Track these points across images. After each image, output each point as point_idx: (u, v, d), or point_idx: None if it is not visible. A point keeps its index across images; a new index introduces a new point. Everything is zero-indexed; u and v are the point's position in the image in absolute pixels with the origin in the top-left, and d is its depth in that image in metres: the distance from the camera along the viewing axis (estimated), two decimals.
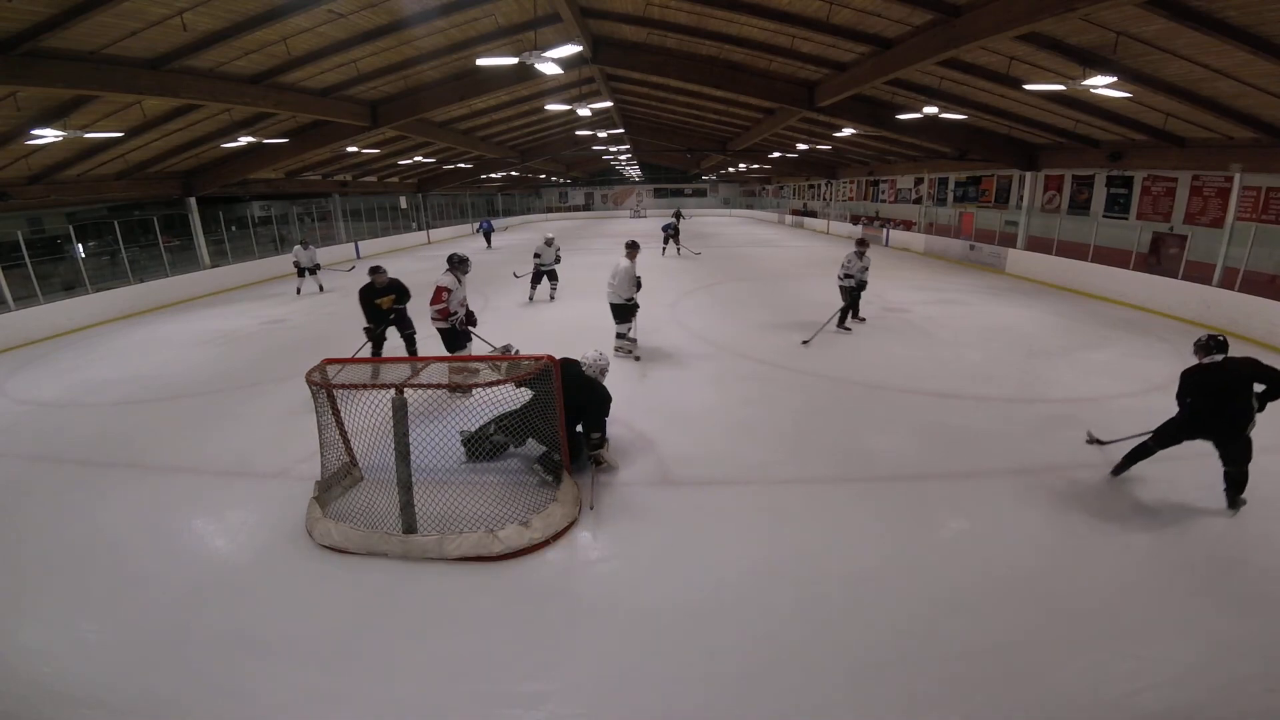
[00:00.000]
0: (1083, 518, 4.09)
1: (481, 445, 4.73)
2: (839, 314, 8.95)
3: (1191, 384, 4.15)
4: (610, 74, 15.93)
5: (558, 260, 12.35)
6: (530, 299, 12.00)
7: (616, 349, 7.86)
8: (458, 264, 6.64)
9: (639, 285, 7.67)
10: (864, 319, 9.49)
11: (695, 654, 2.99)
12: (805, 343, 8.33)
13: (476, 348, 7.16)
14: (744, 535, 3.99)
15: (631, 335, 8.00)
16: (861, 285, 8.95)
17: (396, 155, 20.45)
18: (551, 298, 12.17)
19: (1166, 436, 4.34)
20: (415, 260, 20.89)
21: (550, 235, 12.41)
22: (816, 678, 2.84)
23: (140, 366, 8.44)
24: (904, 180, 22.64)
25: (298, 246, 13.95)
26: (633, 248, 7.82)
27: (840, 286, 8.99)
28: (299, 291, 13.91)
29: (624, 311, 7.80)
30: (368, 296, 6.90)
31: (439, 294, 6.40)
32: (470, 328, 6.91)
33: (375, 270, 6.98)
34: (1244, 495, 4.12)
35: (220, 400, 6.87)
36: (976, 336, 8.87)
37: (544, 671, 2.93)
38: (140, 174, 13.90)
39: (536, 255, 11.96)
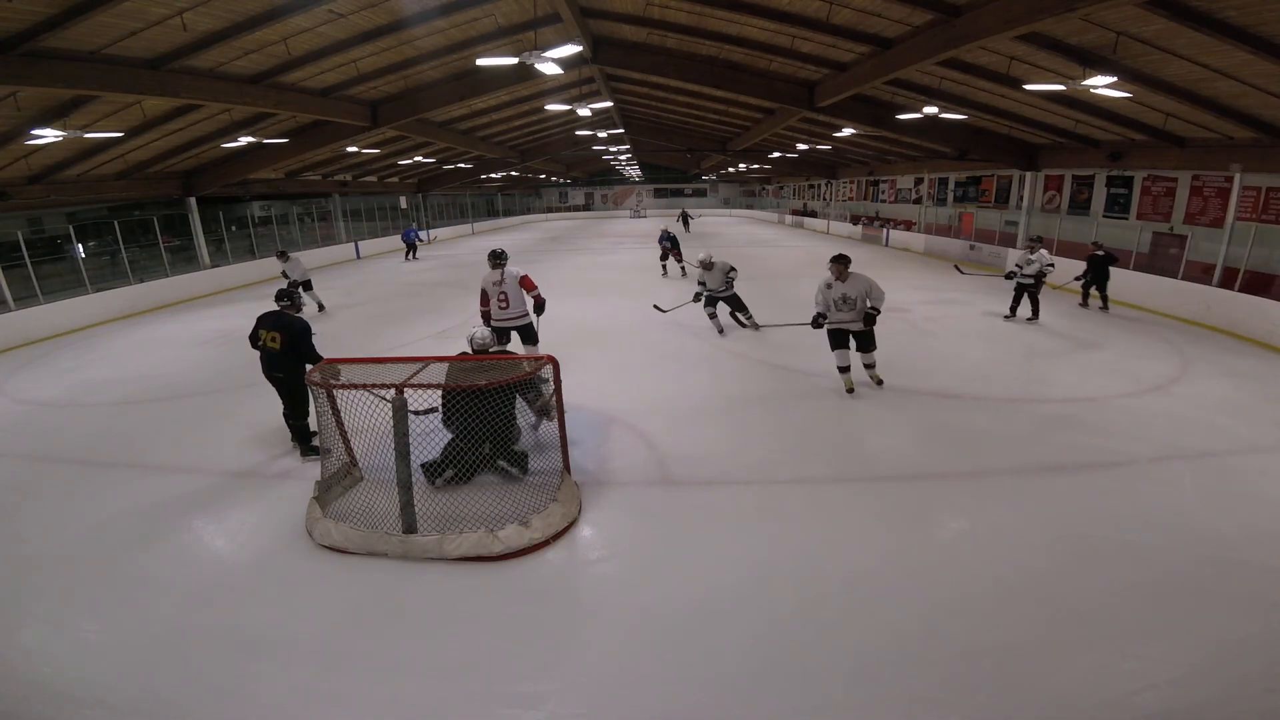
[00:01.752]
0: (1083, 518, 4.08)
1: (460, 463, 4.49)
2: (1032, 306, 9.56)
3: (1091, 260, 10.17)
4: (610, 74, 15.94)
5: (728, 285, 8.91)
6: (720, 331, 9.11)
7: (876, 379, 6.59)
8: (491, 259, 6.49)
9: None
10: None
11: (695, 654, 2.99)
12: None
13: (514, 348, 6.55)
14: (744, 535, 3.99)
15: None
16: (1040, 277, 9.37)
17: (396, 155, 20.46)
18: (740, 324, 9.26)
19: (1088, 283, 10.41)
20: (415, 260, 20.90)
21: (706, 256, 8.95)
22: (817, 678, 2.84)
23: (140, 366, 8.44)
24: (904, 180, 22.63)
25: (276, 259, 11.67)
26: (841, 262, 6.21)
27: (1018, 283, 9.53)
28: None
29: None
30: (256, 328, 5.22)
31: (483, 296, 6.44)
32: (532, 319, 6.49)
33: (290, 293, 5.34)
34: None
35: (220, 400, 6.87)
36: (976, 336, 8.88)
37: (544, 671, 2.93)
38: (140, 174, 13.91)
39: (701, 283, 8.99)
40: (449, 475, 4.51)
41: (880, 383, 6.54)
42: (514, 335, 6.58)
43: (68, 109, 9.34)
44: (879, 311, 6.16)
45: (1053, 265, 9.53)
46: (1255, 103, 8.27)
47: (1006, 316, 9.79)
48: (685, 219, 29.91)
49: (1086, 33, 7.60)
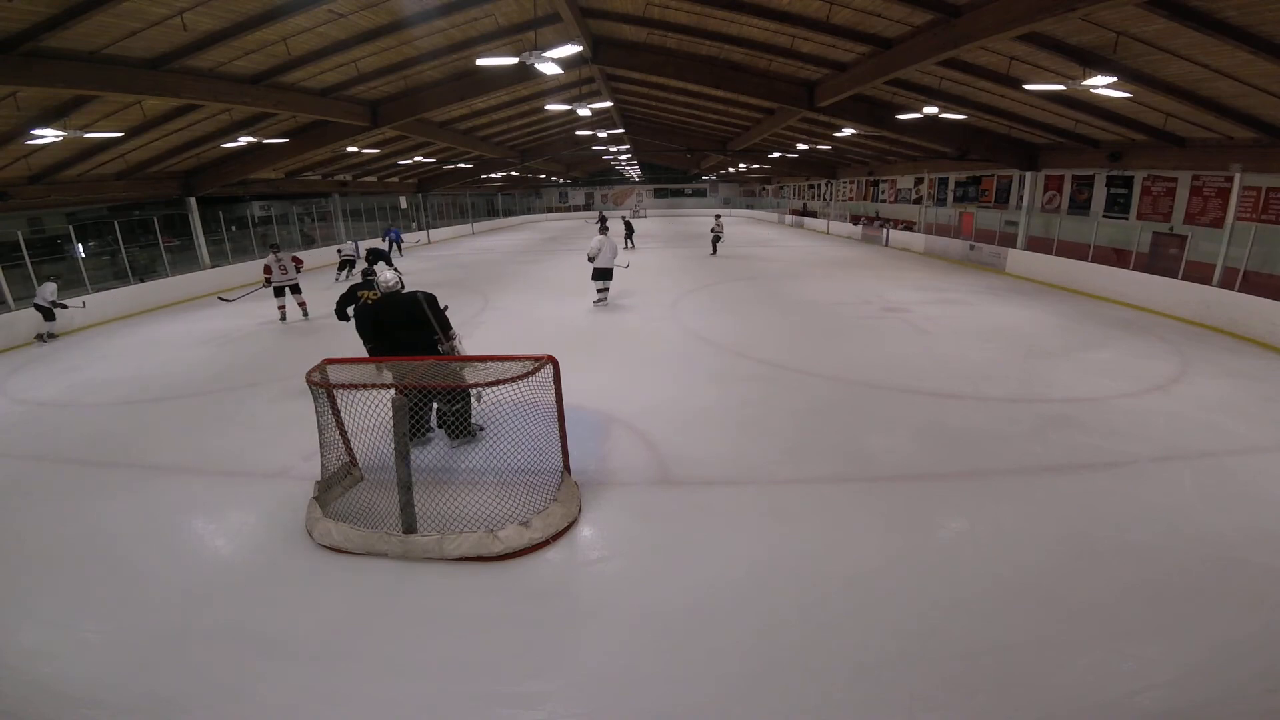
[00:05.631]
0: (1082, 518, 4.08)
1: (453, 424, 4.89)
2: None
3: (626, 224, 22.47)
4: (610, 74, 15.93)
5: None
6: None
7: None
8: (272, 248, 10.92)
9: None
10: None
11: (696, 654, 2.99)
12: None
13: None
14: (744, 535, 3.99)
15: None
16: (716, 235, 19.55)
17: (396, 155, 20.45)
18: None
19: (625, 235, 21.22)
20: (416, 260, 20.89)
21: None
22: (817, 678, 2.84)
23: (140, 366, 8.44)
24: (904, 180, 22.63)
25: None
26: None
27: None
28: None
29: None
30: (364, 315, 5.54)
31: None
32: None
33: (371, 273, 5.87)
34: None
35: (220, 400, 6.87)
36: (976, 336, 8.87)
37: (544, 671, 2.93)
38: (140, 174, 13.89)
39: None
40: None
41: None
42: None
43: (68, 109, 9.33)
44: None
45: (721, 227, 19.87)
46: (1255, 103, 8.26)
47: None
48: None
49: (1086, 33, 7.60)
